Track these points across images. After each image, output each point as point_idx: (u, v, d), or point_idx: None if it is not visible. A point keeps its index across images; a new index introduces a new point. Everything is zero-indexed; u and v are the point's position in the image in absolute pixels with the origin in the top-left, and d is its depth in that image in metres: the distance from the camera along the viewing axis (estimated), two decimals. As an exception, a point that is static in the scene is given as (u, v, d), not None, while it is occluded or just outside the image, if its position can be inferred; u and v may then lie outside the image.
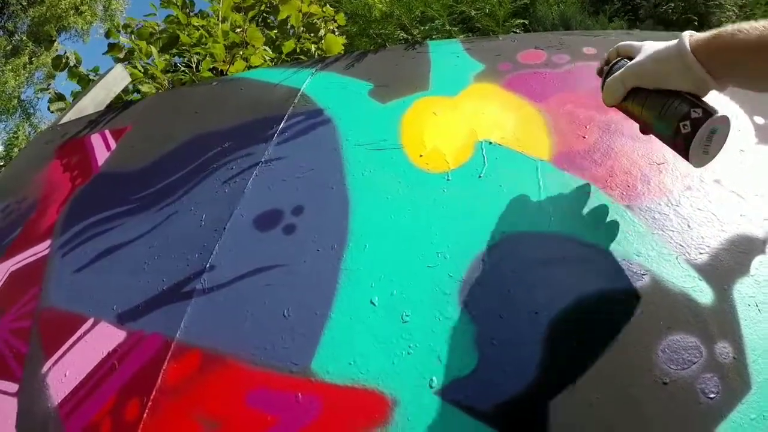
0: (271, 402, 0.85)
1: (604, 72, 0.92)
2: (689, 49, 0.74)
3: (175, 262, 1.13)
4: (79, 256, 1.30)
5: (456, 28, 1.73)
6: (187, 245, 1.15)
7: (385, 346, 0.86)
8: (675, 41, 0.77)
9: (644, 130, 0.89)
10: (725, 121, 0.77)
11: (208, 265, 1.09)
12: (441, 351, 0.83)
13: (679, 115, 0.78)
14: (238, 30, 2.18)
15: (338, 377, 0.84)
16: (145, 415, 0.90)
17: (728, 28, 0.70)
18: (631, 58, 0.86)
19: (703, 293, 0.81)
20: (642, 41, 0.86)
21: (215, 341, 0.96)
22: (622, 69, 0.86)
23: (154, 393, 0.92)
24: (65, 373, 1.04)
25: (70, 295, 1.21)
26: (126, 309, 1.09)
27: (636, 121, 0.89)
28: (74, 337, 1.10)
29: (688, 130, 0.77)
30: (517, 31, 1.73)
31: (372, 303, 0.92)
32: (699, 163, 0.80)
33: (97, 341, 1.07)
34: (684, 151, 0.79)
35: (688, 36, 0.76)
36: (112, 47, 2.36)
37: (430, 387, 0.80)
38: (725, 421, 0.70)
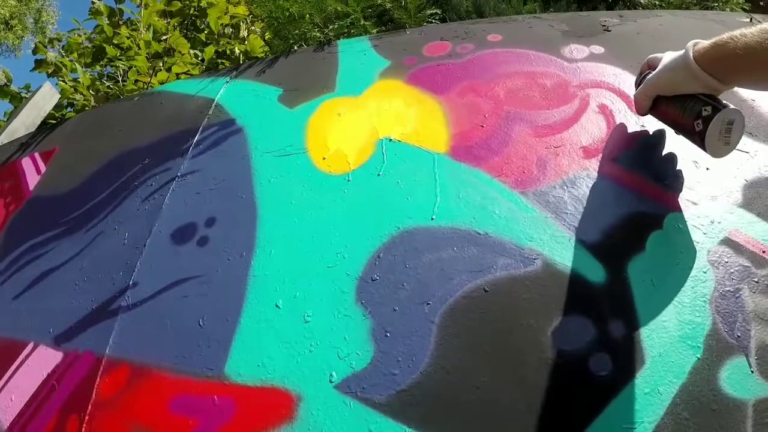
0: (191, 406, 0.91)
1: (636, 84, 1.02)
2: (693, 59, 0.84)
3: (103, 281, 1.18)
4: (16, 282, 1.33)
5: (370, 23, 1.76)
6: (113, 264, 1.20)
7: (289, 346, 0.93)
8: (682, 52, 0.87)
9: (676, 130, 0.97)
10: (736, 113, 0.85)
11: (131, 282, 1.14)
12: (340, 347, 0.90)
13: (693, 114, 0.87)
14: (164, 38, 2.19)
15: (249, 379, 0.91)
16: (83, 429, 0.96)
17: (724, 36, 0.79)
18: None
19: (596, 272, 0.87)
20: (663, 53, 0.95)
21: (141, 354, 1.02)
22: (642, 85, 0.96)
23: (89, 408, 0.98)
24: (11, 398, 1.09)
25: (10, 322, 1.25)
26: (61, 331, 1.14)
27: (666, 123, 0.98)
28: (17, 363, 1.15)
29: (701, 128, 0.86)
30: (433, 21, 1.77)
31: (277, 306, 0.98)
32: (719, 154, 0.89)
33: (38, 364, 1.12)
34: (702, 146, 0.89)
35: (692, 46, 0.85)
36: (40, 63, 2.34)
37: (331, 382, 0.87)
38: (617, 397, 0.75)
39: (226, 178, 1.26)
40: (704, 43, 0.83)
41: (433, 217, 1.01)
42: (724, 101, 0.86)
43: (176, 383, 0.95)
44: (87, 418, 0.97)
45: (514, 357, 0.82)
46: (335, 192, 1.12)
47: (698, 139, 0.88)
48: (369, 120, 1.26)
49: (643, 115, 0.99)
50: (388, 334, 0.89)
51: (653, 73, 0.94)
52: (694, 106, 0.87)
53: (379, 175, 1.12)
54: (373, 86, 1.35)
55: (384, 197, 1.08)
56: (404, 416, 0.80)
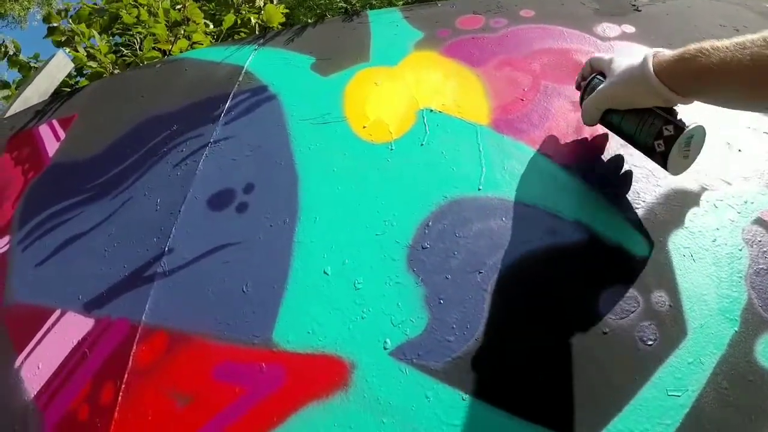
0: (237, 373, 0.90)
1: (582, 88, 0.97)
2: (653, 71, 0.77)
3: (135, 247, 1.16)
4: (40, 249, 1.30)
5: (395, -6, 1.74)
6: (145, 230, 1.18)
7: (340, 312, 0.91)
8: (639, 62, 0.80)
9: (628, 143, 0.93)
10: (699, 128, 0.82)
11: (166, 248, 1.12)
12: (393, 314, 0.89)
13: (653, 133, 0.84)
14: (179, 7, 2.15)
15: (298, 346, 0.90)
16: (119, 397, 0.94)
17: (691, 48, 0.72)
18: (602, 73, 0.91)
19: (639, 246, 0.87)
20: (611, 55, 0.90)
21: (180, 321, 1.00)
22: (594, 94, 0.90)
23: (126, 375, 0.96)
24: (38, 365, 1.07)
25: (34, 288, 1.22)
26: (91, 297, 1.12)
27: (617, 135, 0.94)
28: (43, 330, 1.12)
29: (663, 149, 0.83)
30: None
31: (325, 273, 0.97)
32: (678, 171, 0.87)
33: (66, 331, 1.09)
34: (663, 165, 0.86)
35: (652, 57, 0.78)
36: (52, 31, 2.29)
37: (385, 349, 0.86)
38: (663, 366, 0.76)
39: (262, 145, 1.23)
40: (665, 54, 0.78)
41: (480, 187, 1.00)
42: (680, 116, 0.83)
43: (220, 350, 0.94)
44: (124, 386, 0.95)
45: (566, 326, 0.82)
46: (379, 161, 1.10)
47: (659, 158, 0.85)
48: (407, 90, 1.24)
49: (590, 125, 0.96)
50: (442, 302, 0.88)
51: (606, 83, 0.88)
52: (654, 124, 0.83)
53: (422, 145, 1.11)
54: (409, 57, 1.33)
55: (429, 167, 1.06)
56: (460, 382, 0.80)
